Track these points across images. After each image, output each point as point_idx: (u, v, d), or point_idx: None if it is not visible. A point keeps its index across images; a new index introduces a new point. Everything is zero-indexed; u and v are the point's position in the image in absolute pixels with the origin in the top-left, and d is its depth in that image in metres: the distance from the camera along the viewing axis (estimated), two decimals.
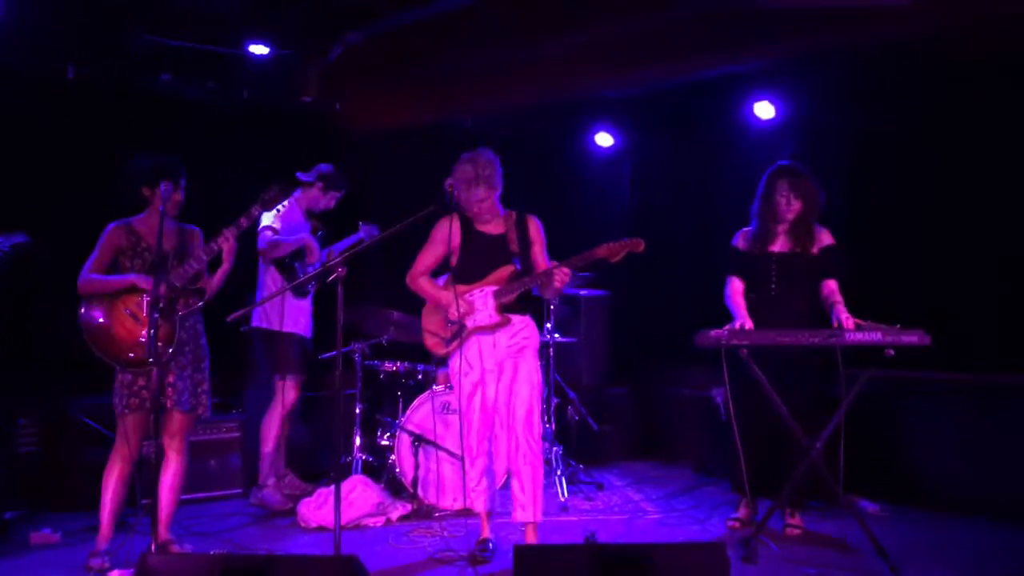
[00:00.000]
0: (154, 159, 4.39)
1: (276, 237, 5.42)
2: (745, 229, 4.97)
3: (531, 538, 4.38)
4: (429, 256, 4.48)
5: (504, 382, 4.37)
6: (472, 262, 4.41)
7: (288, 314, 5.51)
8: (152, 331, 3.95)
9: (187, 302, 4.33)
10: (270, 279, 5.52)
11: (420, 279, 4.49)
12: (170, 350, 4.24)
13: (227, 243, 4.31)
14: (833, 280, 4.74)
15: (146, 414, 4.27)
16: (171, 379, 4.31)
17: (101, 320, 4.23)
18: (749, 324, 4.61)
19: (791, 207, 4.78)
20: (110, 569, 4.16)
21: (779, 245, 4.84)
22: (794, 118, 6.47)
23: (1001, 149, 5.39)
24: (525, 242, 4.42)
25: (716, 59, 6.03)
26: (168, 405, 4.30)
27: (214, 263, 4.43)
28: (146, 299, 4.21)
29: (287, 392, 5.55)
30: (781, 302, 4.72)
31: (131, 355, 4.21)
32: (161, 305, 4.14)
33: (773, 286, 4.79)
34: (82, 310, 4.24)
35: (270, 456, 5.54)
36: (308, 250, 5.56)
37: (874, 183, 6.00)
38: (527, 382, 4.34)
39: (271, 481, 5.53)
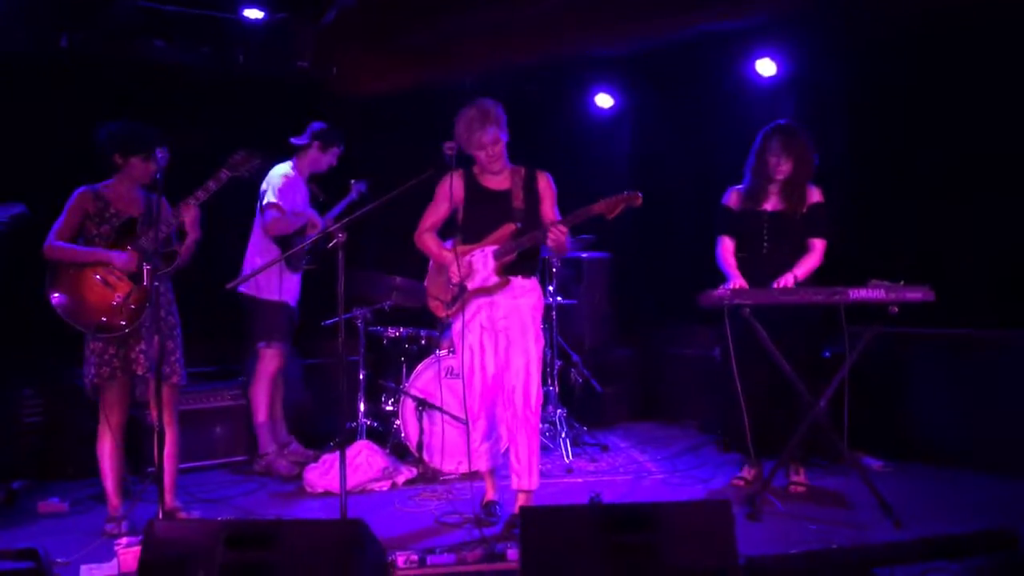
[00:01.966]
0: (128, 128, 4.35)
1: (280, 215, 5.37)
2: (736, 187, 4.91)
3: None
4: (433, 213, 4.38)
5: (502, 346, 4.29)
6: (475, 219, 4.30)
7: (283, 283, 5.49)
8: (152, 300, 3.95)
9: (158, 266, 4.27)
10: (263, 246, 5.47)
11: (425, 236, 4.39)
12: (143, 316, 4.21)
13: (188, 214, 4.26)
14: (818, 239, 4.70)
15: (122, 382, 4.27)
16: (143, 346, 4.27)
17: (70, 286, 4.19)
18: (743, 283, 4.59)
19: (780, 167, 4.72)
20: (125, 534, 4.20)
21: (771, 204, 4.80)
22: (796, 75, 6.39)
23: (1004, 105, 5.32)
24: (533, 199, 4.28)
25: (716, 13, 5.94)
26: (139, 372, 4.27)
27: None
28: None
29: (271, 360, 5.54)
30: (773, 261, 4.68)
31: (103, 319, 4.18)
32: (133, 269, 4.13)
33: (765, 244, 4.76)
34: (47, 277, 4.21)
35: (265, 425, 5.54)
36: (310, 224, 5.53)
37: (876, 140, 5.95)
38: (522, 349, 4.24)
39: (272, 448, 5.54)
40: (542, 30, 6.10)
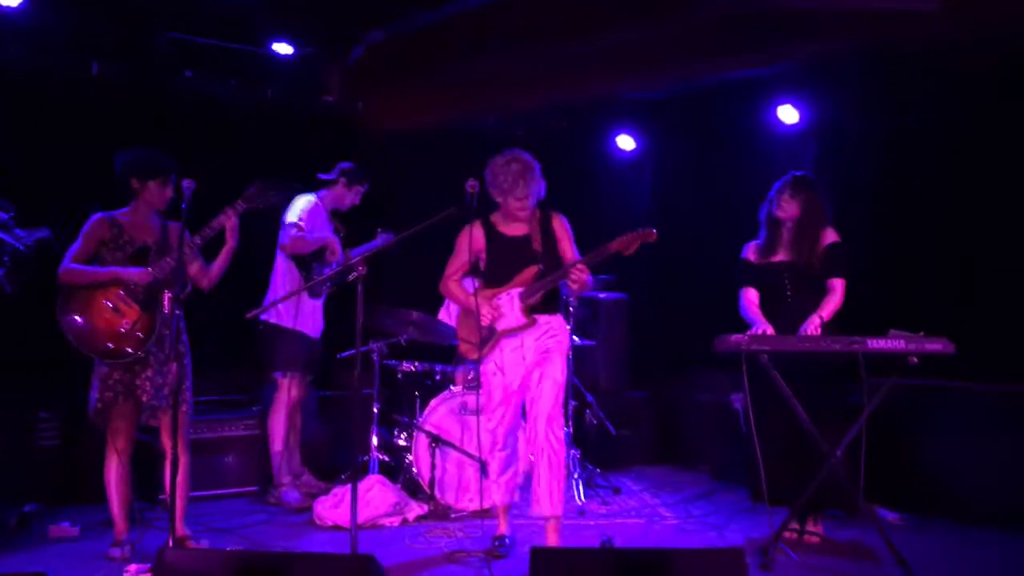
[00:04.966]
0: (145, 154, 4.43)
1: (301, 234, 5.44)
2: (753, 242, 4.92)
3: (551, 535, 4.36)
4: (456, 263, 4.52)
5: (533, 380, 4.39)
6: (498, 265, 4.43)
7: (300, 312, 5.52)
8: (171, 327, 3.96)
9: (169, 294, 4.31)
10: (288, 276, 5.53)
11: (450, 284, 4.54)
12: (150, 343, 4.24)
13: (229, 220, 4.34)
14: (836, 279, 4.67)
15: (127, 407, 4.29)
16: (149, 373, 4.31)
17: (80, 311, 4.23)
18: (770, 330, 4.56)
19: (786, 208, 4.72)
20: (130, 559, 4.19)
21: (786, 254, 4.78)
22: (819, 123, 6.40)
23: None
24: (550, 240, 4.43)
25: (740, 62, 5.99)
26: (144, 399, 4.29)
27: (216, 249, 4.44)
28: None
29: (290, 390, 5.56)
30: (798, 310, 4.65)
31: (110, 345, 4.21)
32: (142, 296, 4.16)
33: (789, 294, 4.73)
34: (59, 301, 4.25)
35: (281, 455, 5.54)
36: (330, 250, 5.57)
37: (900, 189, 5.93)
38: (552, 380, 4.36)
39: (287, 479, 5.54)
40: (568, 71, 6.16)
